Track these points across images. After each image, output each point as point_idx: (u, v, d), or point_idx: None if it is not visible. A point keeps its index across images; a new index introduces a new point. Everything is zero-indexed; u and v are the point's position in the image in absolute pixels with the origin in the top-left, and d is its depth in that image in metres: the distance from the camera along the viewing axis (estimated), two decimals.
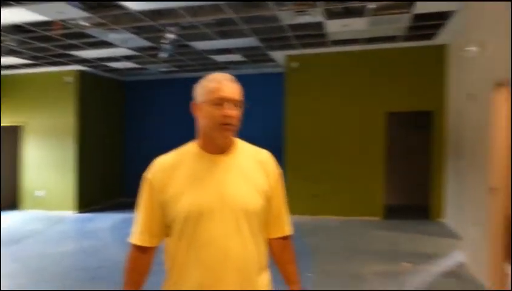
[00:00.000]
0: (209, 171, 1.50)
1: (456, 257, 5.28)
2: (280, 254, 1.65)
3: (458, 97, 6.28)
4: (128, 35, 6.31)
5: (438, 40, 6.99)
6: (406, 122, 8.91)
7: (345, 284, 4.41)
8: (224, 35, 6.45)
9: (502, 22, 4.04)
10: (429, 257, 5.33)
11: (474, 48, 4.87)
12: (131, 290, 1.55)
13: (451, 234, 6.40)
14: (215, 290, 1.45)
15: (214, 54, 7.87)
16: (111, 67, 8.94)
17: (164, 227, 1.53)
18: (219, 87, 1.48)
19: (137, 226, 1.56)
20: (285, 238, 1.67)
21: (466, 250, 5.16)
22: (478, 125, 4.81)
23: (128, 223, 1.71)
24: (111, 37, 6.42)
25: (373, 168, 7.67)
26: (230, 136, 1.51)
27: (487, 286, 4.24)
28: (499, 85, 4.10)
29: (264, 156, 1.62)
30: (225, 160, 1.53)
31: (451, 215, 6.87)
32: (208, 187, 1.48)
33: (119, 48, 7.19)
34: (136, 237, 1.55)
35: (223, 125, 1.46)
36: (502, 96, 4.12)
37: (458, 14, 5.52)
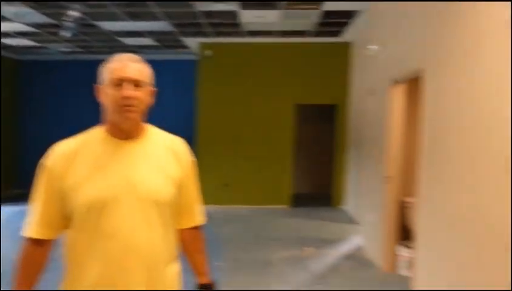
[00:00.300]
0: (115, 157, 1.41)
1: (354, 242, 5.71)
2: (190, 244, 1.62)
3: (360, 92, 6.74)
4: (24, 9, 5.70)
5: (344, 37, 7.41)
6: (313, 114, 9.35)
7: (254, 271, 4.53)
8: (135, 17, 6.15)
9: (400, 24, 4.41)
10: (330, 242, 5.69)
11: (374, 47, 5.25)
12: (24, 289, 1.41)
13: (351, 220, 6.89)
14: (119, 288, 1.37)
15: (123, 37, 7.47)
16: (4, 44, 8.02)
17: (63, 218, 1.40)
18: (119, 67, 1.39)
19: (33, 217, 1.41)
20: (196, 228, 1.64)
21: (364, 234, 5.61)
22: (376, 119, 5.22)
23: (22, 216, 1.55)
24: (5, 10, 5.75)
25: (282, 158, 7.94)
26: (135, 120, 1.41)
27: (381, 267, 4.65)
28: (396, 82, 4.48)
29: (177, 143, 1.56)
30: (133, 146, 1.45)
31: (351, 202, 7.40)
32: (114, 174, 1.39)
33: (13, 23, 6.47)
34: (32, 229, 1.40)
35: (123, 106, 1.37)
36: (398, 93, 4.51)
37: (363, 13, 5.90)
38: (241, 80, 7.90)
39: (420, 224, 3.61)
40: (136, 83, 1.39)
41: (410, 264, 4.14)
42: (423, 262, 3.52)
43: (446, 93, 3.19)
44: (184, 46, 8.28)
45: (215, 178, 7.78)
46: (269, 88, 7.88)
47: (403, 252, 4.45)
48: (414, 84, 4.34)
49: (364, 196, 5.91)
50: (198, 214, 1.63)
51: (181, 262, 1.59)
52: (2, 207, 7.67)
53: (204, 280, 1.64)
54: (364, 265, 4.78)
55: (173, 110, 8.83)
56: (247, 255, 5.07)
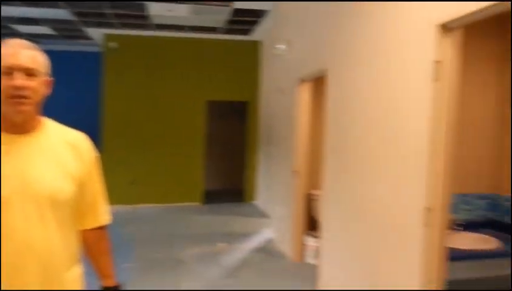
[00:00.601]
0: (7, 153, 1.27)
1: (265, 235, 5.87)
2: (94, 246, 1.52)
3: (270, 90, 6.93)
4: None
5: (254, 36, 7.54)
6: (225, 111, 9.38)
7: (165, 269, 4.42)
8: (29, 2, 5.60)
9: (305, 24, 4.61)
10: (242, 236, 5.78)
11: (282, 46, 5.42)
12: None
13: (262, 214, 7.07)
14: (15, 288, 1.25)
15: (15, 24, 6.78)
16: None
17: None
18: (10, 54, 1.26)
19: None
20: (100, 228, 1.54)
21: (274, 227, 5.79)
22: (285, 116, 5.41)
23: None
24: None
25: (193, 155, 7.85)
26: (28, 112, 1.29)
27: (290, 257, 4.84)
28: (302, 81, 4.68)
29: (78, 138, 1.45)
30: (28, 141, 1.31)
31: (262, 197, 7.59)
32: (6, 172, 1.25)
33: None
34: None
35: (14, 98, 1.24)
36: (305, 91, 4.71)
37: (271, 13, 6.05)
38: (149, 75, 7.63)
39: (325, 215, 3.83)
40: (29, 72, 1.26)
41: (317, 253, 4.37)
42: (328, 250, 3.74)
43: (347, 91, 3.40)
44: (87, 37, 7.77)
45: (122, 176, 7.43)
46: (180, 84, 7.73)
47: (311, 242, 4.68)
48: (319, 83, 4.57)
49: (275, 190, 6.09)
50: (102, 214, 1.53)
51: (84, 265, 1.48)
52: None
53: (109, 282, 1.55)
54: (275, 257, 4.94)
55: (74, 103, 8.30)
56: (158, 254, 4.93)
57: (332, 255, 3.64)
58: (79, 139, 1.45)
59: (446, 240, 2.31)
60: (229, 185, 9.43)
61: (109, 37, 7.39)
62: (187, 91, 7.75)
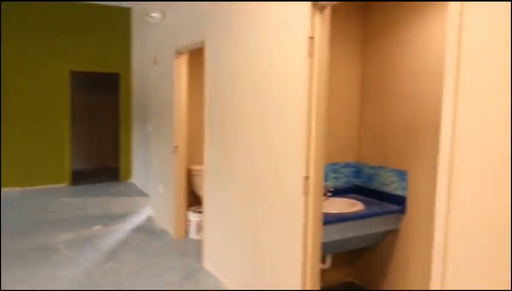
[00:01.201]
0: None
1: (145, 213, 5.68)
2: None
3: (144, 61, 6.57)
4: None
5: (123, 2, 7.01)
6: (94, 83, 8.67)
7: (34, 260, 3.97)
8: None
9: None
10: (120, 217, 5.50)
11: (157, 15, 5.14)
12: None
13: (140, 193, 6.81)
14: None
15: None
16: None
17: None
18: None
19: None
20: None
21: (154, 205, 5.62)
22: (162, 90, 5.20)
23: None
24: None
25: (56, 131, 7.11)
26: None
27: (172, 234, 4.78)
28: (179, 52, 4.53)
29: None
30: None
31: (139, 175, 7.30)
32: None
33: None
34: None
35: None
36: (182, 63, 4.58)
37: None
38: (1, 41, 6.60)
39: (207, 190, 3.83)
40: None
41: (200, 228, 4.39)
42: (211, 225, 3.77)
43: (225, 64, 3.39)
44: None
45: None
46: (38, 52, 6.85)
47: (193, 217, 4.67)
48: (198, 55, 4.47)
49: (154, 167, 5.89)
50: None
51: None
52: None
53: None
54: (156, 235, 4.82)
55: None
56: (21, 244, 4.40)
57: (216, 229, 3.68)
58: None
59: (321, 206, 2.51)
60: (101, 164, 8.86)
61: None
62: (47, 60, 6.93)
